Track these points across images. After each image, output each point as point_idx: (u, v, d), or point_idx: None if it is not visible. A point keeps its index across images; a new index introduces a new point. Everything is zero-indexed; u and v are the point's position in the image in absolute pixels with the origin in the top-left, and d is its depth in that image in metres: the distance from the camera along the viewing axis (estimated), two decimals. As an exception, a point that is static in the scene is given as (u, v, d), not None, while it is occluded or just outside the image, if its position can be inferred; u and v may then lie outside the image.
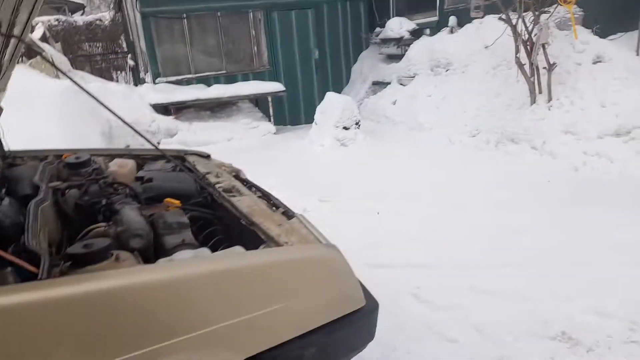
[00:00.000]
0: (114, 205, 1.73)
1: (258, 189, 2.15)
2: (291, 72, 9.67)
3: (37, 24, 10.62)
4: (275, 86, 8.74)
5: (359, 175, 5.65)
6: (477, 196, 4.52)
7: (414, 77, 8.23)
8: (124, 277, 1.13)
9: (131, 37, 10.43)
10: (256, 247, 1.52)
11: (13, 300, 0.96)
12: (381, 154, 6.54)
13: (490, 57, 6.58)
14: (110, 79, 13.72)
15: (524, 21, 5.29)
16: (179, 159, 2.57)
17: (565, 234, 3.53)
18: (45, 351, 0.97)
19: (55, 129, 5.69)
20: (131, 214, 1.63)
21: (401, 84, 8.60)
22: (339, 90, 10.02)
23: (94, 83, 8.29)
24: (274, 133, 8.47)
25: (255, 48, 9.28)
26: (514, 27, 5.36)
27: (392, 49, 9.19)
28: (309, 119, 7.49)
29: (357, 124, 7.17)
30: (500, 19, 5.61)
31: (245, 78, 9.22)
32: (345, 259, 1.42)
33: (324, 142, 7.03)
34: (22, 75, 7.17)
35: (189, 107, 8.30)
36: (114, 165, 2.29)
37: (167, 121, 7.78)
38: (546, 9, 5.27)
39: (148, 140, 1.65)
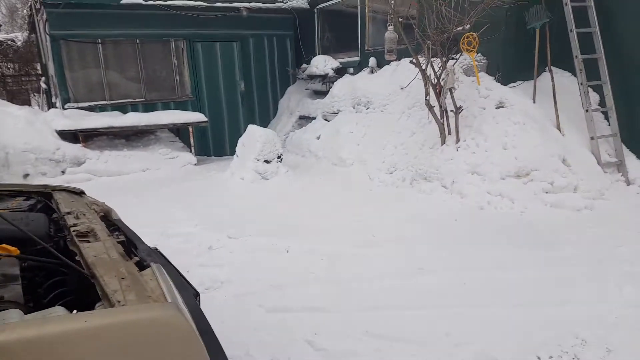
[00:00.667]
0: None
1: (124, 232, 1.93)
2: (216, 103, 9.49)
3: None
4: (197, 116, 8.50)
5: (276, 210, 5.52)
6: (388, 234, 4.53)
7: (337, 113, 8.36)
8: None
9: (44, 60, 9.80)
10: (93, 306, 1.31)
11: None
12: (301, 188, 6.48)
13: (405, 98, 6.83)
14: (27, 102, 12.79)
15: (432, 66, 5.55)
16: (44, 195, 2.28)
17: (467, 274, 3.57)
18: None
19: None
20: (-61, 265, 1.36)
21: (326, 120, 8.70)
22: (266, 122, 9.99)
23: (-7, 105, 7.61)
24: (195, 164, 8.17)
25: (178, 77, 9.03)
26: (423, 71, 5.61)
27: (318, 85, 9.35)
28: (234, 151, 7.33)
29: (279, 157, 7.09)
30: (411, 62, 5.86)
31: (167, 107, 8.89)
32: (188, 321, 1.24)
33: (244, 175, 6.86)
34: None
35: (102, 135, 7.81)
36: (-45, 203, 1.98)
37: (75, 149, 7.24)
38: (453, 55, 5.58)
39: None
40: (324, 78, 9.11)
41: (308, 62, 9.49)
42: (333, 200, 5.76)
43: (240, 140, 7.23)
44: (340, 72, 8.88)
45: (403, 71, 7.01)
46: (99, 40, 8.19)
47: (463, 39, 5.51)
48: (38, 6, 7.97)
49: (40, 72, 12.31)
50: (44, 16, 7.84)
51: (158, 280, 1.46)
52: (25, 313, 1.28)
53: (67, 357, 1.05)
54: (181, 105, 9.01)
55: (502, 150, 5.27)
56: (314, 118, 9.01)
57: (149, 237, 2.48)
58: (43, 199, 2.25)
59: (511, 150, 5.21)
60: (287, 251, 4.19)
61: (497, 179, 5.11)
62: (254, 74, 9.82)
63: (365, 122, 7.55)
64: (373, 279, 3.58)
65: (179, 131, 8.77)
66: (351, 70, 8.73)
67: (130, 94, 8.67)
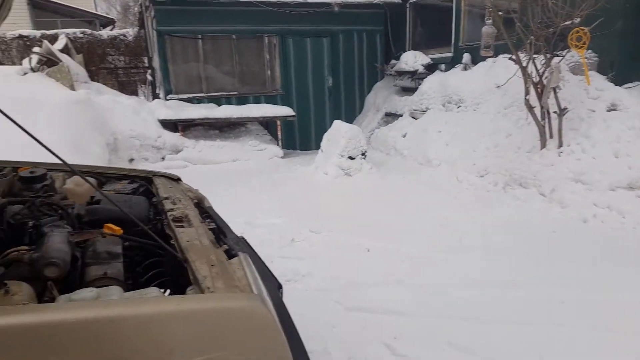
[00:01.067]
0: (43, 227, 1.59)
1: (214, 220, 1.99)
2: (304, 98, 9.66)
3: (60, 35, 10.90)
4: (285, 110, 8.71)
5: (358, 207, 5.47)
6: (476, 241, 4.28)
7: (425, 111, 8.10)
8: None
9: (150, 54, 10.63)
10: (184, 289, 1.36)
11: None
12: (385, 187, 6.36)
13: (502, 97, 6.41)
14: (135, 92, 14.02)
15: (534, 63, 5.13)
16: (146, 180, 2.43)
17: (563, 292, 3.25)
18: None
19: (55, 138, 5.67)
20: (55, 239, 1.48)
21: (413, 117, 8.47)
22: (351, 118, 9.96)
23: (106, 95, 8.39)
24: (282, 157, 8.40)
25: (269, 72, 9.32)
26: (524, 69, 5.20)
27: (407, 82, 9.12)
28: (319, 146, 7.41)
29: (363, 154, 7.02)
30: (510, 59, 5.46)
31: (257, 100, 9.23)
32: (271, 313, 1.24)
33: (328, 170, 6.89)
34: (35, 83, 7.29)
35: (198, 125, 8.30)
36: (71, 183, 2.16)
37: (174, 137, 7.78)
38: (559, 52, 5.11)
39: (55, 155, 1.48)
40: (413, 74, 8.86)
41: (397, 58, 9.29)
42: (418, 201, 5.58)
43: (325, 136, 7.27)
44: (430, 68, 8.59)
45: (499, 68, 6.59)
46: (199, 36, 8.71)
47: (571, 34, 5.02)
48: (147, 4, 8.65)
49: (147, 65, 13.39)
50: (152, 13, 8.50)
51: (245, 270, 1.47)
52: (125, 290, 1.36)
53: (159, 337, 1.08)
54: (271, 99, 9.30)
55: (613, 157, 4.73)
56: (401, 115, 8.82)
57: (236, 226, 2.55)
58: (145, 183, 2.40)
59: (624, 158, 4.66)
60: (368, 250, 4.12)
61: (605, 190, 4.60)
62: (342, 70, 9.84)
63: (456, 121, 7.23)
64: (457, 286, 3.39)
65: (267, 124, 9.05)
66: (442, 66, 8.41)
67: (224, 87, 9.12)
